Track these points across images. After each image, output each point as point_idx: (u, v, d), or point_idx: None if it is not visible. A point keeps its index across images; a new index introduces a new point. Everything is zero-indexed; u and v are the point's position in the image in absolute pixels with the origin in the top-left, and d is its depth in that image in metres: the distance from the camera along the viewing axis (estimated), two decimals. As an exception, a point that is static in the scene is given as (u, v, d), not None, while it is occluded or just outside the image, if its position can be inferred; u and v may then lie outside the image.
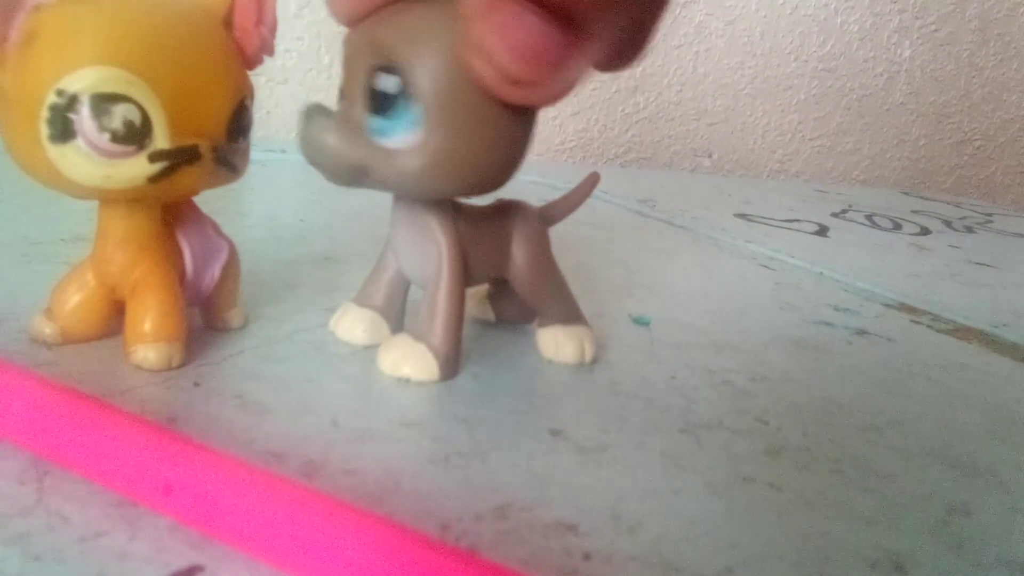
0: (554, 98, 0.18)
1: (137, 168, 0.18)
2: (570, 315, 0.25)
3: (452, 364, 0.22)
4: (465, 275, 0.23)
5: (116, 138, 0.17)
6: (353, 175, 0.19)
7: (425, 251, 0.22)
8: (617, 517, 0.17)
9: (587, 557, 0.15)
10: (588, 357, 0.25)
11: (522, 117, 0.20)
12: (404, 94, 0.18)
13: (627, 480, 0.18)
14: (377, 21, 0.19)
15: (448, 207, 0.22)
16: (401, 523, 0.13)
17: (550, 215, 0.26)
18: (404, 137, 0.19)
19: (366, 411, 0.20)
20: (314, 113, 0.19)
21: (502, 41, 0.16)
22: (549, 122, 0.80)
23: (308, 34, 0.68)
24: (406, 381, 0.22)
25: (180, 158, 0.19)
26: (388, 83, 0.19)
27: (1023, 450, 0.23)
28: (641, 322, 0.30)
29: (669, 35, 0.86)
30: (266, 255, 0.33)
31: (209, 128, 0.19)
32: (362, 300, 0.25)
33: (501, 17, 0.16)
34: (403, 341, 0.22)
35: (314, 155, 0.20)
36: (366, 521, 0.13)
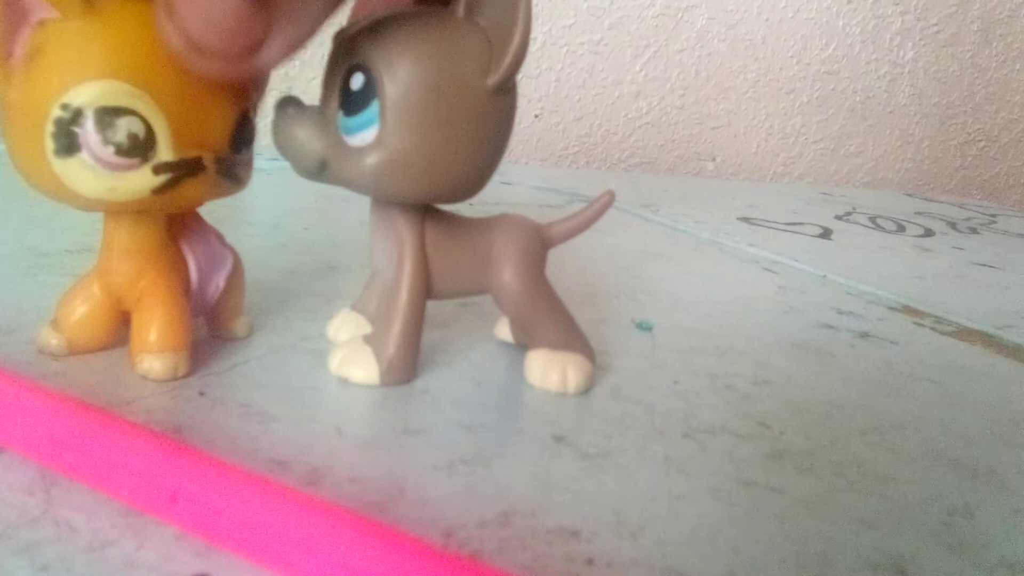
0: (246, 74, 0.18)
1: (141, 180, 0.18)
2: (561, 340, 0.24)
3: (398, 371, 0.22)
4: (427, 283, 0.22)
5: (120, 151, 0.18)
6: (316, 168, 0.20)
7: (391, 254, 0.22)
8: (620, 522, 0.17)
9: (590, 562, 0.15)
10: (572, 388, 0.23)
11: (490, 130, 0.20)
12: (367, 91, 0.19)
13: (629, 485, 0.18)
14: (363, 28, 0.20)
15: (417, 212, 0.22)
16: (405, 531, 0.13)
17: (553, 234, 0.24)
18: (363, 134, 0.19)
19: (370, 419, 0.20)
20: (286, 104, 0.20)
21: (192, 8, 0.16)
22: (552, 128, 0.80)
23: (312, 42, 0.68)
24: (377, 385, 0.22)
25: (184, 170, 0.19)
26: (355, 80, 0.19)
27: (1026, 452, 0.23)
28: (644, 327, 0.30)
29: (671, 40, 0.86)
30: (270, 264, 0.33)
31: (212, 140, 0.20)
32: (358, 306, 0.25)
33: None
34: (354, 343, 0.22)
35: (282, 145, 0.20)
36: (370, 529, 0.13)
